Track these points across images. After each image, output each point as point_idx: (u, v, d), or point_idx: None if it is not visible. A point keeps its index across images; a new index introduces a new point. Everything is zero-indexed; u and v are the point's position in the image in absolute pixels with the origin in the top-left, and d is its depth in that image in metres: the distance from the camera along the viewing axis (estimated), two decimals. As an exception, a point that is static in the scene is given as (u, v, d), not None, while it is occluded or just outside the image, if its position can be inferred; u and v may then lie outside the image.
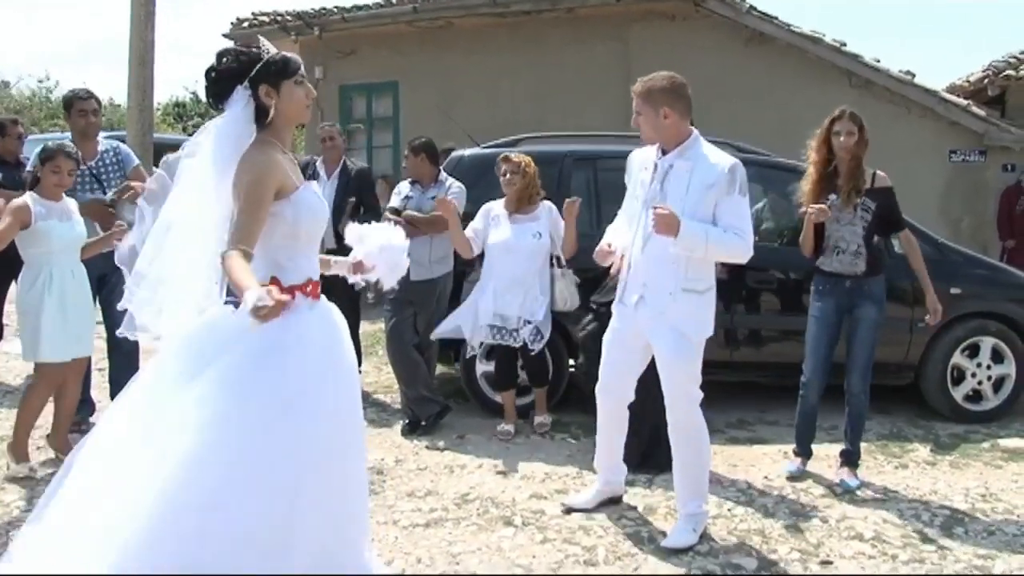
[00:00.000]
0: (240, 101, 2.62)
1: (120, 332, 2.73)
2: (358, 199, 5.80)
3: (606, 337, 3.75)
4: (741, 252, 3.43)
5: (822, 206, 4.19)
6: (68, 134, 5.09)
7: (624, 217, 3.73)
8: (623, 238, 3.63)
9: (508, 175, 4.92)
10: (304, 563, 2.52)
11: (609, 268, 3.77)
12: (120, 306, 2.65)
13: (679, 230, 3.26)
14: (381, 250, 3.10)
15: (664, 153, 3.48)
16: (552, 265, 4.98)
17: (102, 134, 5.15)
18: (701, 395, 3.56)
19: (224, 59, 2.65)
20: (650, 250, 3.45)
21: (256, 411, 2.47)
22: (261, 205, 2.54)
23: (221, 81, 2.63)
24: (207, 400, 2.43)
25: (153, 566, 2.29)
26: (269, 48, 2.68)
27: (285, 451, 2.49)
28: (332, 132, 6.03)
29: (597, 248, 3.66)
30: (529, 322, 4.88)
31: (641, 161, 3.62)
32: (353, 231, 3.17)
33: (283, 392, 2.51)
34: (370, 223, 3.23)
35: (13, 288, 5.02)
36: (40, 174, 4.21)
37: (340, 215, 5.40)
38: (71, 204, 4.35)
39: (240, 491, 2.42)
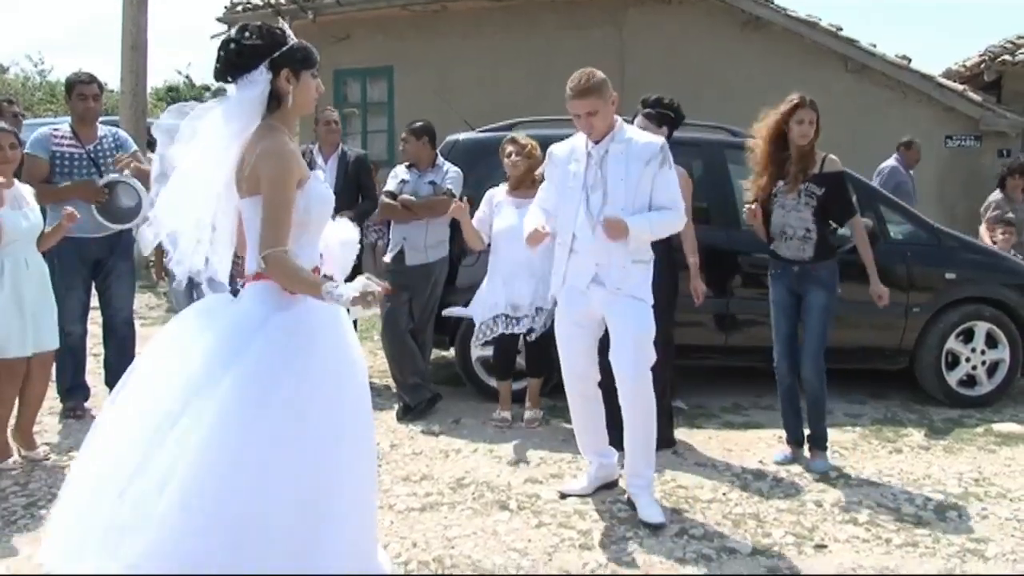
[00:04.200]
0: (259, 82, 2.55)
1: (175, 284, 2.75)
2: (356, 185, 5.77)
3: (558, 323, 3.86)
4: (678, 224, 3.76)
5: (753, 208, 4.37)
6: (61, 118, 5.06)
7: (540, 208, 3.85)
8: (561, 226, 3.74)
9: (514, 156, 4.85)
10: (327, 564, 2.50)
11: None
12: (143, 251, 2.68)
13: (628, 232, 3.53)
14: (342, 245, 3.00)
15: (597, 142, 3.64)
16: None
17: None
18: (655, 357, 3.68)
19: (249, 34, 2.56)
20: (600, 233, 3.59)
21: (279, 412, 2.44)
22: (290, 201, 2.51)
23: (244, 56, 2.53)
24: (229, 402, 2.39)
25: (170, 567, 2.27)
26: (290, 33, 2.61)
27: (310, 454, 2.46)
28: (333, 117, 5.99)
29: (529, 233, 3.73)
30: (541, 309, 4.79)
31: (567, 153, 3.76)
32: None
33: (307, 392, 2.48)
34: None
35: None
36: None
37: (338, 201, 5.36)
38: (25, 191, 4.13)
39: (264, 496, 2.39)
